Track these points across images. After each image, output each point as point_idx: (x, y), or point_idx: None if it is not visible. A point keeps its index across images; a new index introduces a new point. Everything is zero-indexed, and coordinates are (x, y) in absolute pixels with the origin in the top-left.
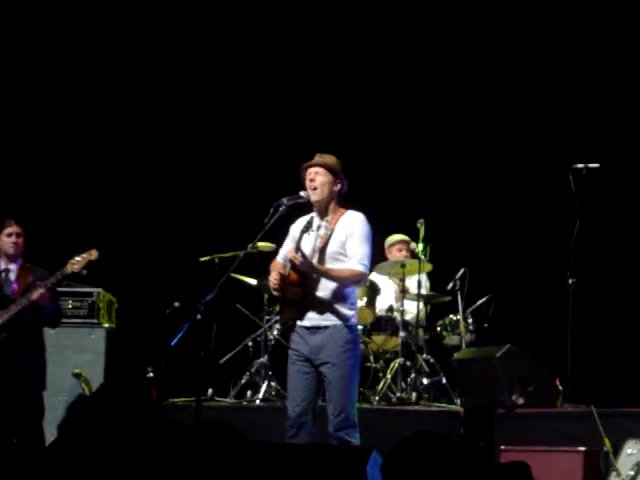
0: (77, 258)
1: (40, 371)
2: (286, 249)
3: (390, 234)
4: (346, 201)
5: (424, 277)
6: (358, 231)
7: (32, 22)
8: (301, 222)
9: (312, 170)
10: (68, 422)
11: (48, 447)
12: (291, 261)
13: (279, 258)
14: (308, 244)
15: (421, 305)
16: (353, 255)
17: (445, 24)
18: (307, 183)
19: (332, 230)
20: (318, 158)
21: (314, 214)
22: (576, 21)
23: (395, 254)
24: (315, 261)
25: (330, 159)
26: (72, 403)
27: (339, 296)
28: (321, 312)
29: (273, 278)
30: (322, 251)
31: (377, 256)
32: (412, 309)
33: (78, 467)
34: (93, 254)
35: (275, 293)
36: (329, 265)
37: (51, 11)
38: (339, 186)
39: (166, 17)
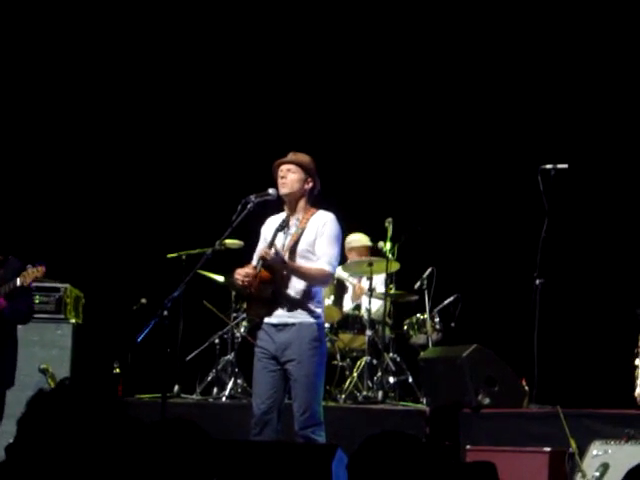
0: (29, 271)
1: (11, 368)
2: (260, 251)
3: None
4: (315, 199)
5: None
6: (328, 231)
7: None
8: (271, 223)
9: (284, 167)
10: (28, 417)
11: (10, 444)
12: (262, 258)
13: (254, 262)
14: (279, 242)
15: (381, 302)
16: (322, 255)
17: (411, 26)
18: (278, 180)
19: (303, 229)
20: (291, 156)
21: (287, 212)
22: (543, 23)
23: (354, 257)
24: (285, 259)
25: (304, 157)
26: (32, 397)
27: (307, 294)
28: (288, 309)
29: (243, 272)
30: (292, 249)
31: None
32: (374, 307)
33: (38, 462)
34: (40, 270)
35: (242, 285)
36: (298, 263)
37: (50, 11)
38: (311, 184)
39: (133, 20)
